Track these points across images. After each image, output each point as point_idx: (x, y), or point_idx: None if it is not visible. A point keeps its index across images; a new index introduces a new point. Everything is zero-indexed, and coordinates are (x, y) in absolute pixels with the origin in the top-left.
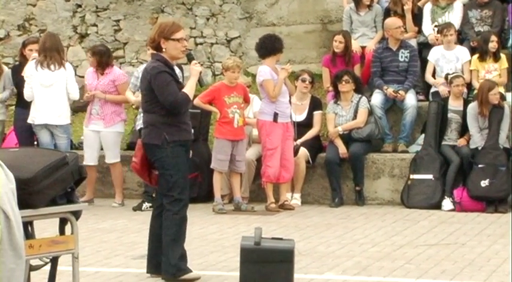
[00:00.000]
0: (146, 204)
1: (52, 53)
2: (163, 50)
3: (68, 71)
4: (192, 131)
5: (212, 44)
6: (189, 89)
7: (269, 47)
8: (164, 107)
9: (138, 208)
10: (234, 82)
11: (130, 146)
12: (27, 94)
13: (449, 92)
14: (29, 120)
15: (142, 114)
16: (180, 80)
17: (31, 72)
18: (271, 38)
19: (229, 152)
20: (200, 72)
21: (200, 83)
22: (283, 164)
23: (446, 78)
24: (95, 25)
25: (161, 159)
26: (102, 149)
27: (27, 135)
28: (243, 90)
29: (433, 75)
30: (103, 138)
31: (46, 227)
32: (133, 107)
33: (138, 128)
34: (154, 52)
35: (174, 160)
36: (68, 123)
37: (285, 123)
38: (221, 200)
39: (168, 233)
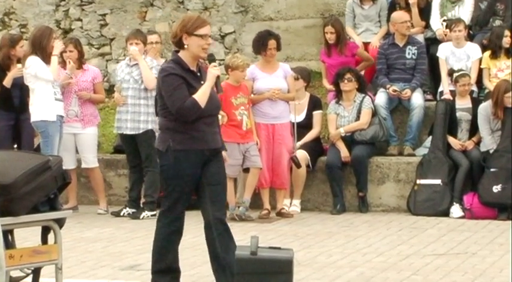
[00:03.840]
0: (127, 210)
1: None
2: (185, 46)
3: (28, 68)
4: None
5: None
6: (200, 94)
7: (265, 43)
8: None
9: (117, 214)
10: (240, 82)
11: (117, 150)
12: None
13: (452, 91)
14: None
15: (121, 114)
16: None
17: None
18: (265, 34)
19: (239, 156)
20: (218, 77)
21: (217, 88)
22: (274, 169)
23: (450, 75)
24: (79, 20)
25: (162, 167)
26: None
27: (6, 136)
28: (247, 89)
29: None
30: (80, 140)
31: (27, 236)
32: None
33: (120, 131)
34: (174, 51)
35: (175, 170)
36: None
37: (269, 124)
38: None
39: (154, 244)
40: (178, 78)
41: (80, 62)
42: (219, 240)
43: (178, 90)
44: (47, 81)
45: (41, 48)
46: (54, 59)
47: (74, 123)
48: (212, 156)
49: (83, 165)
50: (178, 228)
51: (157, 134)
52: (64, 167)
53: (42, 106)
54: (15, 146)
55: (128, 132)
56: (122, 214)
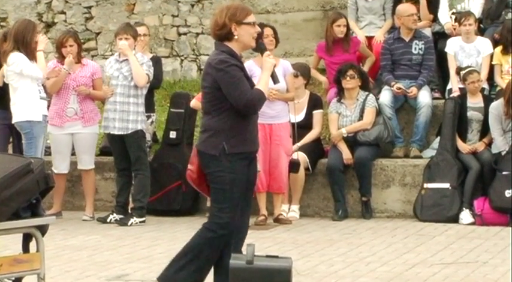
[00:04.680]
0: (114, 216)
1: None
2: (235, 37)
3: (12, 60)
4: (175, 133)
5: (197, 34)
6: (263, 85)
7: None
8: (229, 110)
9: (103, 220)
10: None
11: (103, 151)
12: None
13: (461, 89)
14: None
15: (108, 113)
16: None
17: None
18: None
19: None
20: (274, 66)
21: (274, 79)
22: (271, 172)
23: (458, 73)
24: (62, 13)
25: (215, 173)
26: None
27: (2, 136)
28: None
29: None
30: (79, 141)
31: (8, 244)
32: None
33: (107, 130)
34: (219, 42)
35: (230, 176)
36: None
37: (266, 124)
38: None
39: (195, 251)
40: (240, 70)
41: (79, 56)
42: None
43: (243, 82)
44: (36, 79)
45: (24, 43)
46: (41, 55)
47: (73, 122)
48: (252, 159)
49: (79, 167)
50: (225, 243)
51: (200, 135)
52: (56, 172)
53: (27, 105)
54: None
55: (116, 132)
56: (108, 220)
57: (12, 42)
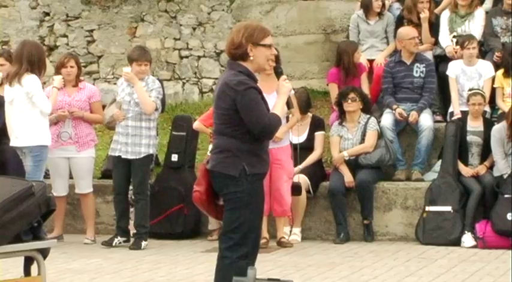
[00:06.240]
0: (118, 239)
1: (15, 64)
2: (250, 58)
3: (26, 86)
4: (176, 156)
5: (199, 57)
6: (279, 109)
7: None
8: (247, 131)
9: (108, 243)
10: None
11: (105, 175)
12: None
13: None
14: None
15: (119, 136)
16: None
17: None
18: None
19: None
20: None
21: (288, 104)
22: (274, 196)
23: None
24: (64, 36)
25: (234, 194)
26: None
27: None
28: None
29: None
30: (75, 165)
31: (9, 267)
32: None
33: (115, 153)
34: (233, 61)
35: (249, 197)
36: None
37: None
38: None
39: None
40: (257, 92)
41: (77, 79)
42: None
43: (261, 106)
44: (42, 113)
45: (38, 66)
46: (55, 92)
47: (67, 147)
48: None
49: (76, 191)
50: (245, 266)
51: (211, 155)
52: (56, 194)
53: (38, 129)
54: None
55: (129, 156)
56: (114, 244)
57: (26, 64)
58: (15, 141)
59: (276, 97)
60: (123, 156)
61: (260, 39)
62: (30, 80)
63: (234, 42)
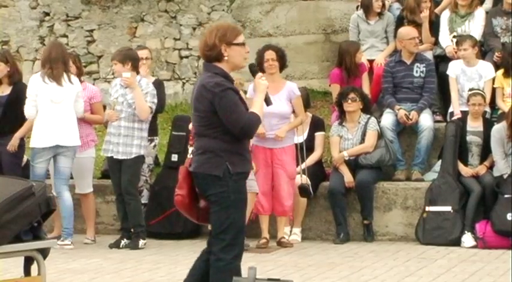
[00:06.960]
0: (125, 241)
1: (58, 64)
2: (225, 58)
3: (75, 85)
4: (176, 156)
5: (199, 57)
6: (258, 108)
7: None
8: (228, 131)
9: (115, 245)
10: None
11: (104, 175)
12: (30, 112)
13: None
14: (33, 144)
15: (111, 136)
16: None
17: (37, 87)
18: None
19: None
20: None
21: (267, 101)
22: (274, 196)
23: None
24: (64, 36)
25: (219, 194)
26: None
27: None
28: None
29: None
30: (75, 165)
31: (9, 267)
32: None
33: (107, 154)
34: (208, 63)
35: (235, 196)
36: (78, 145)
37: (268, 148)
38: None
39: None
40: (235, 93)
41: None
42: None
43: (240, 106)
44: (76, 111)
45: (67, 65)
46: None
47: None
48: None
49: (77, 191)
50: (240, 266)
51: (191, 157)
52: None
53: (77, 129)
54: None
55: (120, 156)
56: (121, 246)
57: (62, 65)
58: (62, 140)
59: (254, 95)
60: (114, 157)
61: (233, 38)
62: (76, 80)
63: (207, 44)
